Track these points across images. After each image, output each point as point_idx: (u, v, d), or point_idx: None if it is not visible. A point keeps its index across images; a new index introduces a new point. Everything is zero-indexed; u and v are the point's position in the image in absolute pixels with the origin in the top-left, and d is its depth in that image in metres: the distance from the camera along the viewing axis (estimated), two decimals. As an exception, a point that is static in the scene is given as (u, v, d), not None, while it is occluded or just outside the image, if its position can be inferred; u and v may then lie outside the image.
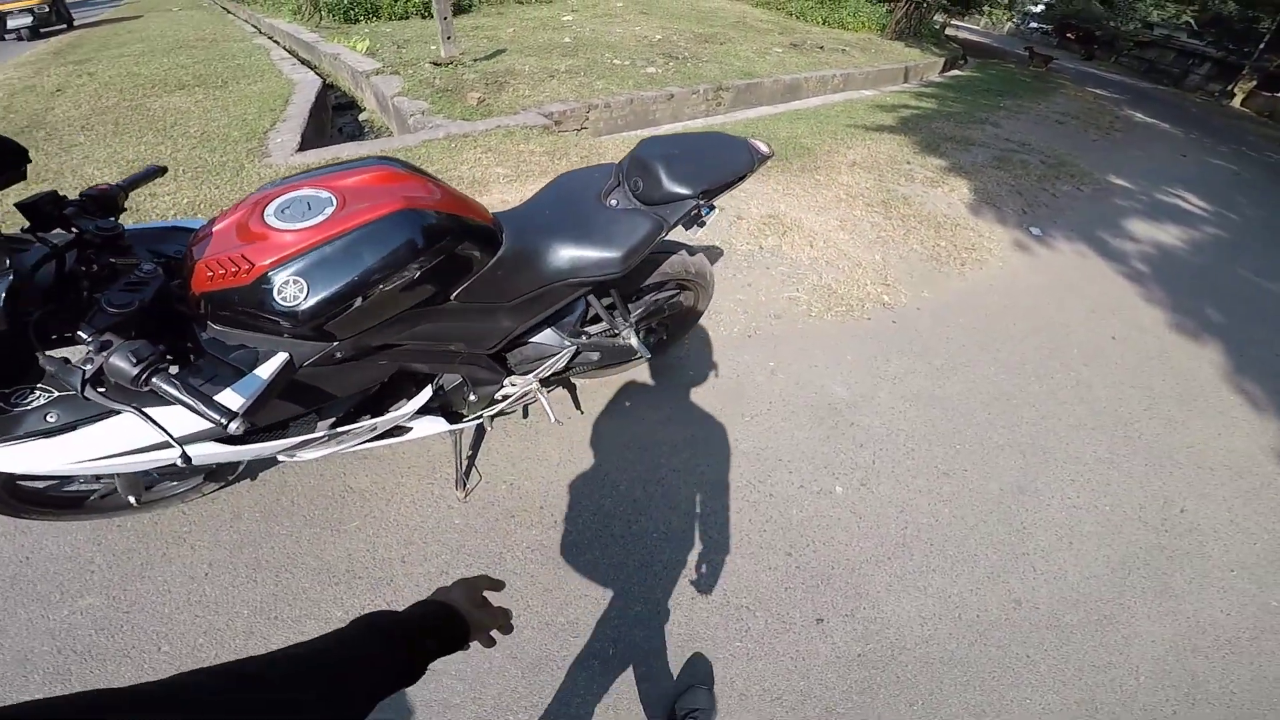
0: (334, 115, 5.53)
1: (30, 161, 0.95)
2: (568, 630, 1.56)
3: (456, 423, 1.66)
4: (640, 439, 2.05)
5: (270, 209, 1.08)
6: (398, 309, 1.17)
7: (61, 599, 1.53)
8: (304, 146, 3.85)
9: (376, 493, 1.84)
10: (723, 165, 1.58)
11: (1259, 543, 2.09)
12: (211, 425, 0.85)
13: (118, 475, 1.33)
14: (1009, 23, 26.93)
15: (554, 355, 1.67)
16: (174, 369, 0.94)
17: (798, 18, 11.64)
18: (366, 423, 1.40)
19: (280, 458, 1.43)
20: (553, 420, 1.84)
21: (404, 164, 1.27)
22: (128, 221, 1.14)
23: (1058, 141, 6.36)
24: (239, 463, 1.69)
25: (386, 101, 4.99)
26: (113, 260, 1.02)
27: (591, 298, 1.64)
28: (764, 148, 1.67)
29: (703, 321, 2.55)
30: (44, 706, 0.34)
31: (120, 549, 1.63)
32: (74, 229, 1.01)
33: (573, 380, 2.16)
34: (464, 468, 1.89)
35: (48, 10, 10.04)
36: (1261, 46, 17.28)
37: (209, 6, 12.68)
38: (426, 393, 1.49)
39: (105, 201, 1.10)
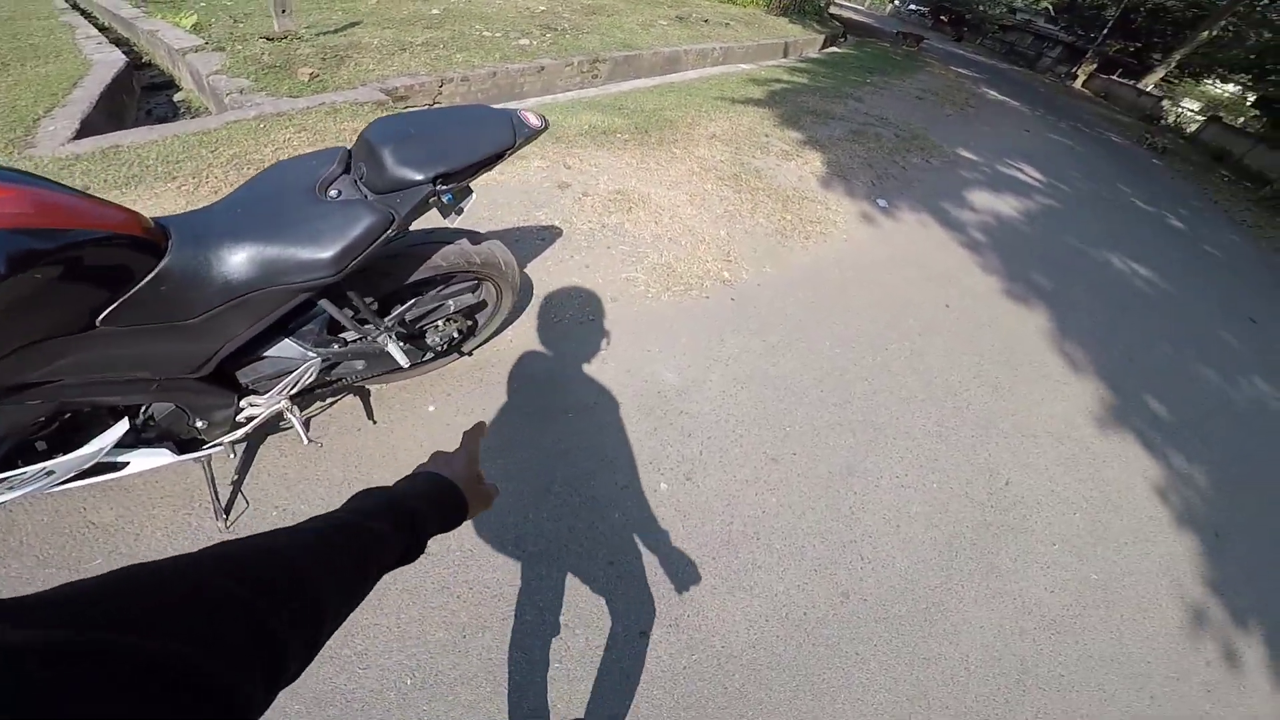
0: (145, 96, 4.90)
1: None
2: (356, 662, 1.40)
3: (189, 452, 1.45)
4: (445, 448, 1.89)
5: None
6: (10, 343, 0.96)
7: None
8: (84, 133, 3.34)
9: (123, 527, 1.59)
10: (468, 144, 1.39)
11: (1078, 513, 2.20)
12: None
13: None
14: (890, 4, 28.32)
15: (296, 369, 1.48)
16: None
17: (687, -8, 11.60)
18: (36, 467, 1.17)
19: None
20: (305, 441, 1.66)
21: (17, 174, 0.98)
22: None
23: (914, 116, 6.68)
24: None
25: (203, 80, 4.46)
26: None
27: (325, 303, 1.42)
28: (534, 120, 1.50)
29: (533, 309, 2.41)
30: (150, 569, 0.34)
31: None
32: None
33: (367, 388, 1.96)
34: (229, 494, 1.67)
35: None
36: (1105, 32, 19.07)
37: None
38: (121, 426, 1.27)
39: None
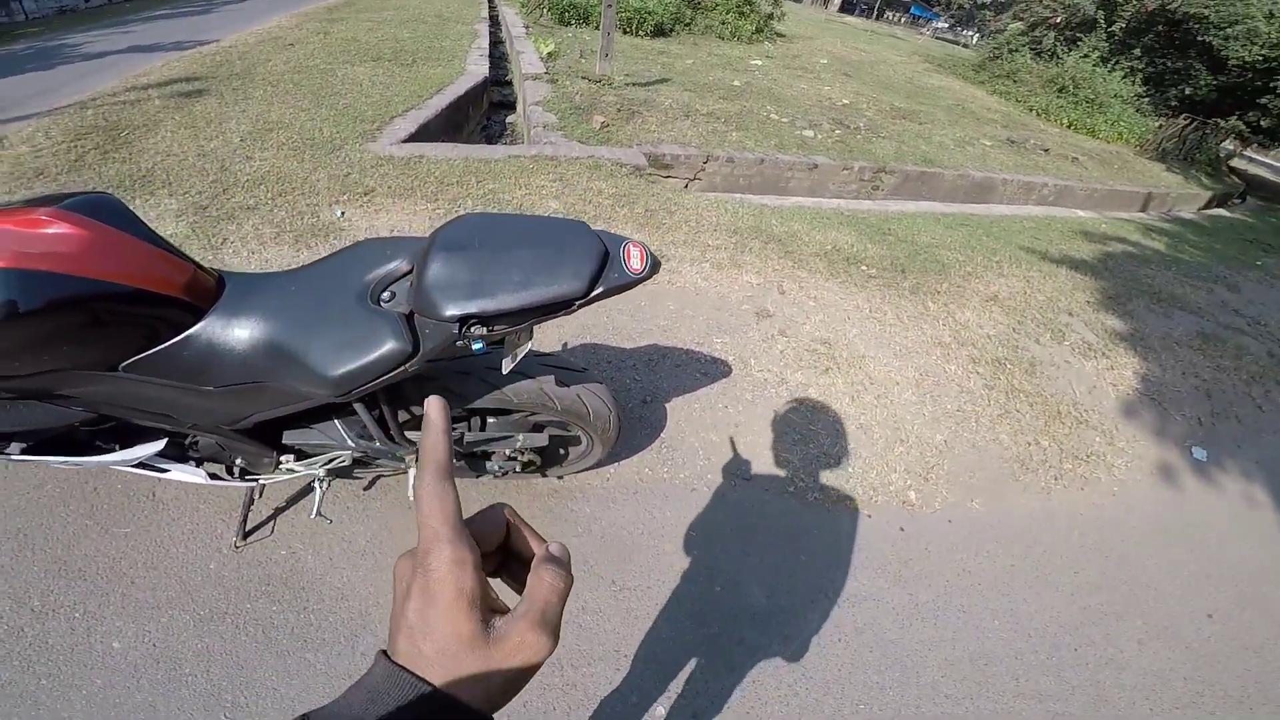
0: (490, 112, 5.81)
1: None
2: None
3: (222, 480, 1.49)
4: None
5: None
6: (36, 367, 1.02)
7: None
8: (416, 138, 4.01)
9: (168, 506, 1.77)
10: (524, 279, 1.08)
11: None
12: None
13: None
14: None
15: (334, 451, 1.43)
16: None
17: (1038, 114, 10.10)
18: (58, 460, 1.30)
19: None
20: (311, 516, 1.62)
21: (106, 204, 1.07)
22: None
23: (1318, 337, 4.72)
24: None
25: (526, 107, 5.10)
26: None
27: (359, 406, 1.33)
28: (637, 262, 1.14)
29: (647, 448, 2.13)
30: None
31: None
32: None
33: None
34: (263, 519, 1.74)
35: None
36: None
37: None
38: (157, 445, 1.33)
39: None
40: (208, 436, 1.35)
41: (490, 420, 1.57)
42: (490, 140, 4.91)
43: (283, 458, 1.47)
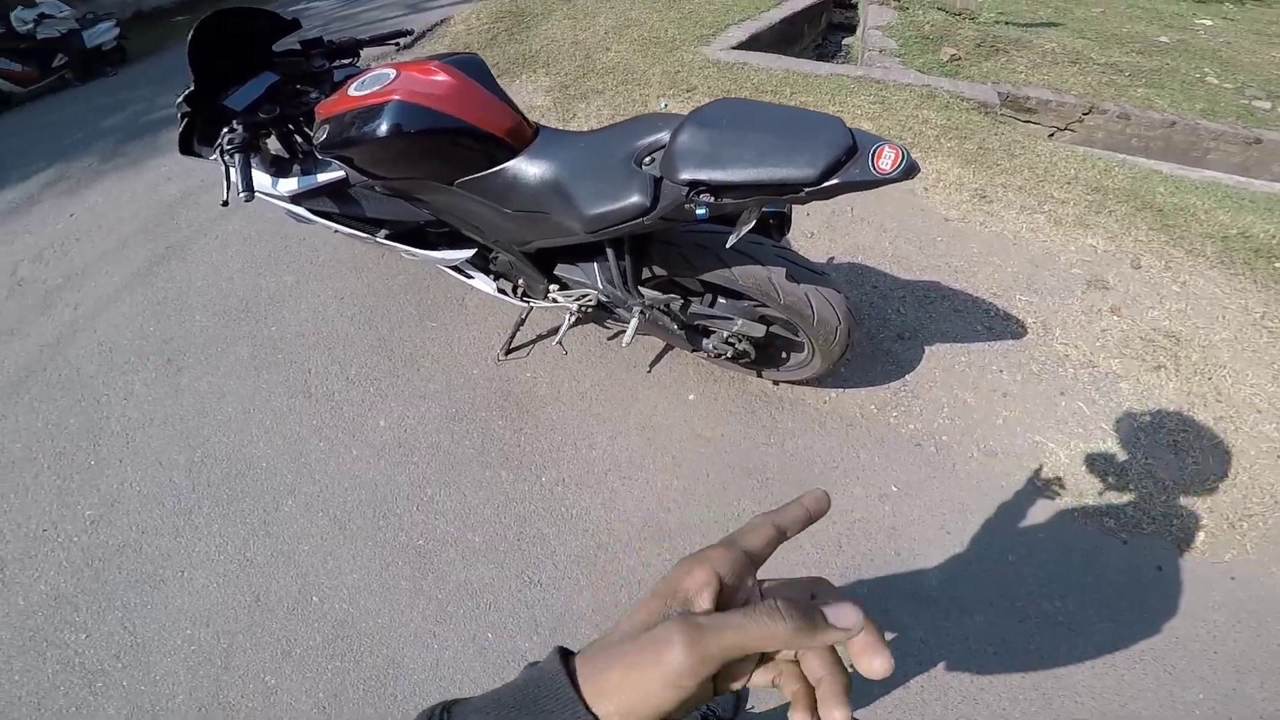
0: (828, 32, 5.57)
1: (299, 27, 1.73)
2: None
3: (511, 294, 1.86)
4: (664, 438, 1.85)
5: (356, 80, 1.46)
6: (408, 174, 1.46)
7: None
8: (744, 46, 4.09)
9: (469, 313, 2.25)
10: (757, 157, 1.11)
11: None
12: (236, 192, 1.41)
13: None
14: None
15: (584, 289, 1.67)
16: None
17: None
18: (402, 248, 1.78)
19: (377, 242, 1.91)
20: (553, 343, 1.88)
21: (472, 64, 1.44)
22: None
23: None
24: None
25: (864, 31, 4.77)
26: (302, 87, 1.69)
27: (609, 251, 1.50)
28: (887, 162, 1.06)
29: (858, 392, 1.97)
30: None
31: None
32: (310, 61, 1.71)
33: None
34: (526, 340, 2.10)
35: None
36: None
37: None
38: (466, 252, 1.73)
39: (342, 49, 1.75)
40: (504, 254, 1.69)
41: (720, 300, 1.65)
42: (822, 59, 4.74)
43: (551, 286, 1.75)
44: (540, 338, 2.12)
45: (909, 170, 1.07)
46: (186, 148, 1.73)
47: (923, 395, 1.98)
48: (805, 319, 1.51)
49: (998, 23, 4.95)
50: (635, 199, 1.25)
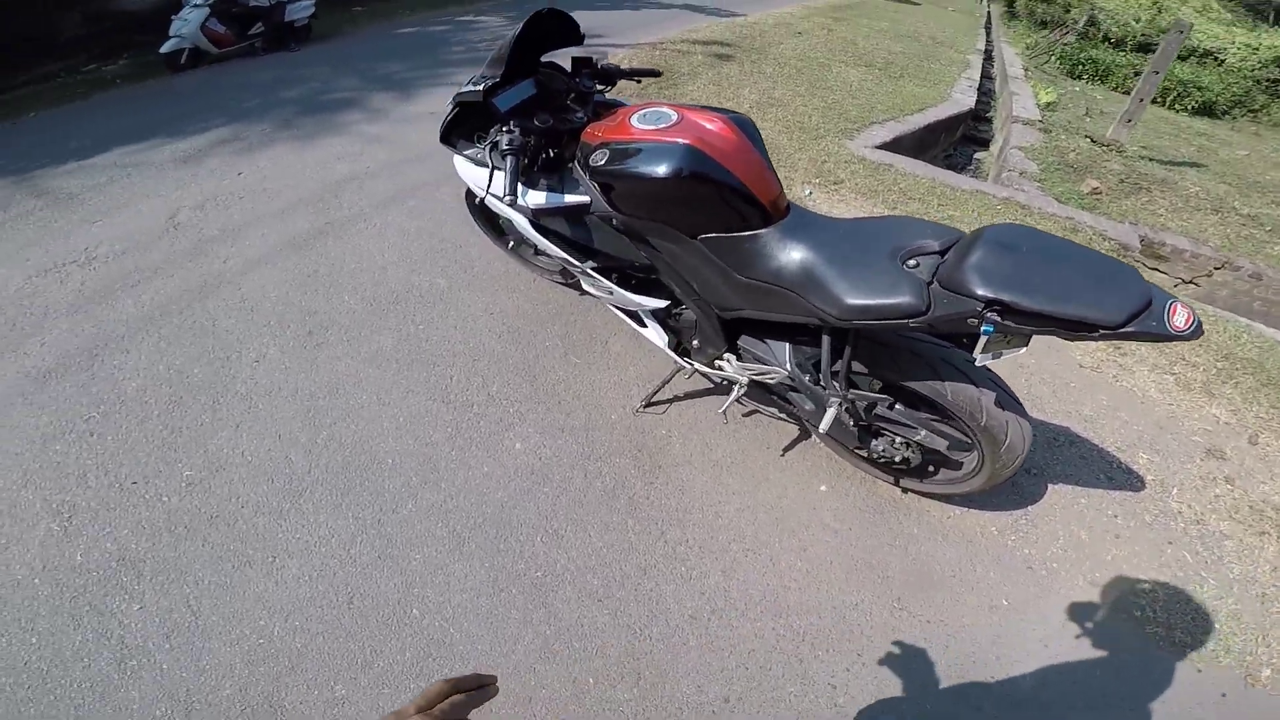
0: (959, 143, 5.63)
1: (580, 33, 1.84)
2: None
3: (673, 350, 1.91)
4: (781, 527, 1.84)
5: (638, 112, 1.53)
6: (655, 217, 1.51)
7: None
8: (887, 147, 4.17)
9: (613, 357, 2.29)
10: (1061, 291, 1.14)
11: None
12: (503, 195, 1.46)
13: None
14: None
15: (768, 367, 1.68)
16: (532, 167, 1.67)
17: None
18: (610, 283, 1.83)
19: (592, 291, 2.00)
20: (719, 411, 1.94)
21: (749, 126, 1.51)
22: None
23: None
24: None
25: (1005, 148, 4.79)
26: (570, 103, 1.79)
27: (825, 338, 1.51)
28: (1182, 319, 1.10)
29: (980, 514, 1.95)
30: None
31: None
32: (577, 79, 1.81)
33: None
34: (665, 397, 2.12)
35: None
36: None
37: (978, 14, 13.59)
38: (657, 303, 1.79)
39: (606, 74, 1.86)
40: (696, 313, 1.73)
41: (899, 405, 1.63)
42: (950, 168, 4.78)
43: (726, 354, 1.78)
44: (677, 398, 2.15)
45: (1198, 331, 1.10)
46: (446, 138, 1.87)
47: (1041, 525, 1.98)
48: (995, 444, 1.50)
49: (1142, 158, 4.90)
50: (906, 299, 1.26)
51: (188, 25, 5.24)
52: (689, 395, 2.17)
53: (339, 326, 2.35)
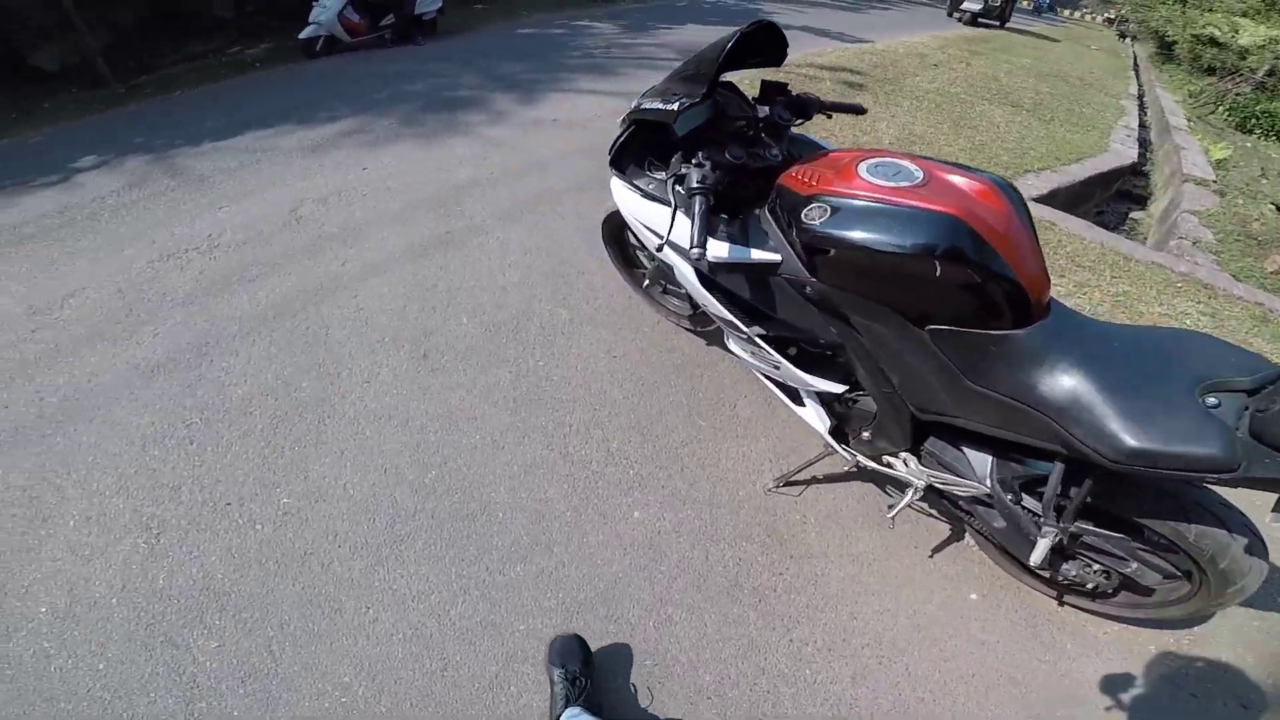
0: (1112, 199, 5.06)
1: (785, 52, 1.53)
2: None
3: (833, 436, 1.63)
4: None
5: (868, 161, 1.23)
6: (872, 294, 1.21)
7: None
8: (1044, 200, 3.74)
9: (743, 423, 2.04)
10: None
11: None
12: (686, 245, 1.20)
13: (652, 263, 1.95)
14: None
15: (964, 479, 1.39)
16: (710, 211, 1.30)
17: None
18: (775, 356, 1.55)
19: (737, 350, 1.75)
20: (889, 514, 1.62)
21: (1014, 194, 1.19)
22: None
23: None
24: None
25: (1174, 213, 4.23)
26: (763, 135, 1.51)
27: (1057, 466, 1.21)
28: None
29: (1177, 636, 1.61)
30: None
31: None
32: (769, 108, 1.51)
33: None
34: (803, 478, 1.86)
35: (996, 6, 11.78)
36: None
37: (1123, 54, 12.56)
38: (837, 386, 1.50)
39: (802, 104, 1.56)
40: (881, 405, 1.44)
41: (1113, 534, 1.32)
42: (1102, 225, 4.27)
43: (903, 454, 1.50)
44: (815, 479, 1.89)
45: None
46: (617, 161, 1.63)
47: (1203, 647, 1.63)
48: (1226, 586, 1.23)
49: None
50: (1211, 452, 0.98)
51: (326, 13, 5.39)
52: (828, 478, 1.90)
53: (455, 352, 2.21)
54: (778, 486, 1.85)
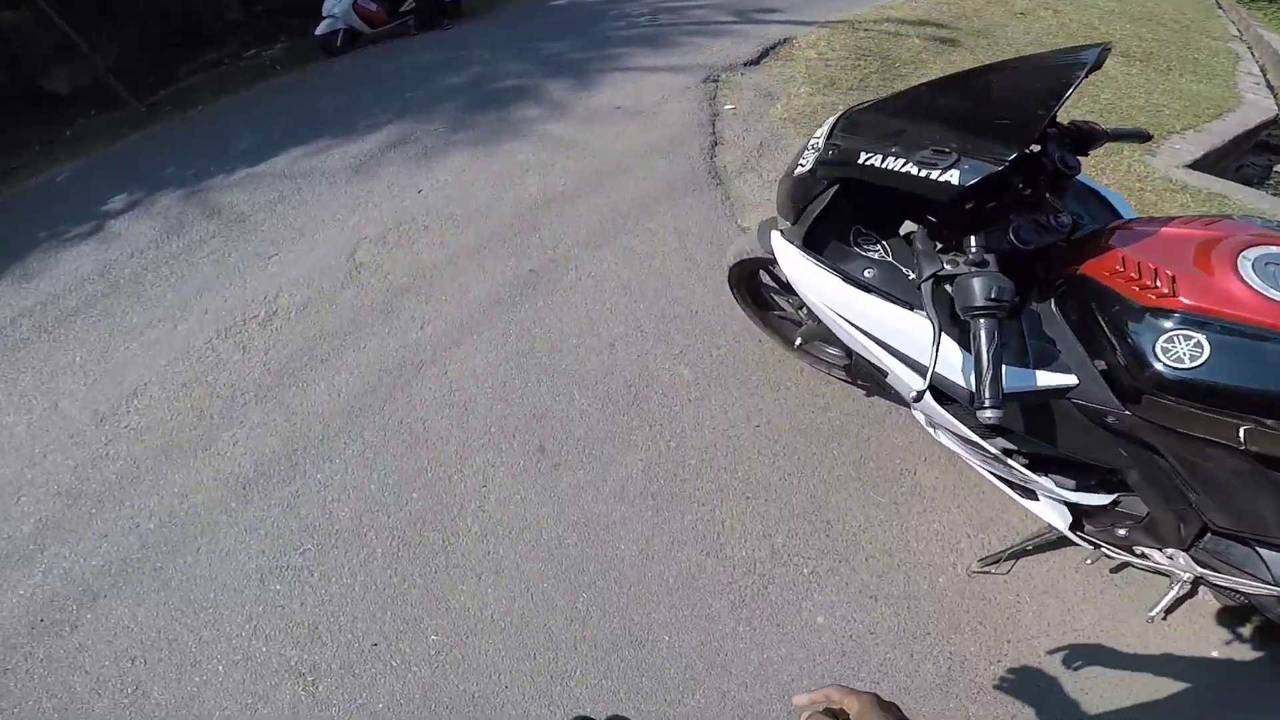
0: (1252, 151, 4.44)
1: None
2: None
3: (1073, 529, 1.29)
4: None
5: (1251, 253, 0.82)
6: (1219, 436, 0.82)
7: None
8: (1198, 166, 3.20)
9: (925, 495, 1.68)
10: None
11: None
12: (967, 391, 0.87)
13: (858, 355, 1.32)
14: None
15: (1254, 582, 1.05)
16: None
17: None
18: (1026, 474, 1.19)
19: (950, 445, 1.37)
20: (1152, 611, 1.34)
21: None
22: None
23: None
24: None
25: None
26: (1046, 194, 1.01)
27: None
28: None
29: None
30: None
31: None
32: (1041, 147, 0.99)
33: None
34: (1008, 552, 1.53)
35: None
36: None
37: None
38: (1104, 497, 1.16)
39: (1082, 138, 1.03)
40: (1160, 514, 1.09)
41: None
42: (1246, 184, 3.71)
43: (1171, 549, 1.16)
44: (1025, 550, 1.54)
45: None
46: (811, 237, 1.18)
47: None
48: None
49: None
50: None
51: (340, 4, 4.95)
52: (1037, 547, 1.57)
53: (574, 439, 1.87)
54: (983, 567, 1.53)
